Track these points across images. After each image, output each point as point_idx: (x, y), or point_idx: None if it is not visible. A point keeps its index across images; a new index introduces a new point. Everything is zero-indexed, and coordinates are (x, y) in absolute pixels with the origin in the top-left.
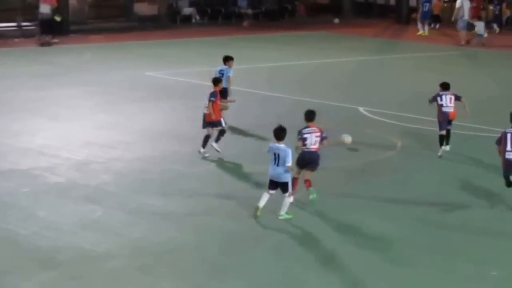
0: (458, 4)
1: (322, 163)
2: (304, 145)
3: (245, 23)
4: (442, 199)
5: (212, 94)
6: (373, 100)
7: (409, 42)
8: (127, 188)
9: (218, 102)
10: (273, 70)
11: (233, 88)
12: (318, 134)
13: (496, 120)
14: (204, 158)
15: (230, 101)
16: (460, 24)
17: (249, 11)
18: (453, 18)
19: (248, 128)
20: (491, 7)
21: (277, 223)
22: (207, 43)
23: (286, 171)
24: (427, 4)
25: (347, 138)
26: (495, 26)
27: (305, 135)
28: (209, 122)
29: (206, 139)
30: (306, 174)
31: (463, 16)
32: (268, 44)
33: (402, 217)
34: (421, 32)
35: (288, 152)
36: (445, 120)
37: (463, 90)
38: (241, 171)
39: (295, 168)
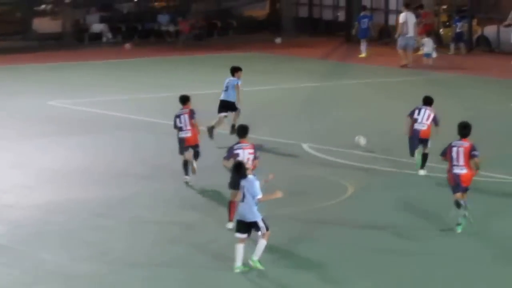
0: (401, 19)
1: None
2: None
3: (127, 45)
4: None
5: (193, 113)
6: (319, 135)
7: (361, 65)
8: (24, 242)
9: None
10: (197, 99)
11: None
12: (251, 151)
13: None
14: (187, 183)
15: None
16: (401, 43)
17: (171, 28)
18: (396, 36)
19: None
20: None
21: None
22: (120, 65)
23: (255, 208)
24: (365, 20)
25: None
26: (461, 45)
27: (236, 151)
28: (188, 146)
29: (186, 164)
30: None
31: (407, 33)
32: (191, 67)
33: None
34: (363, 54)
35: (254, 183)
36: (415, 137)
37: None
38: (158, 221)
39: (230, 191)
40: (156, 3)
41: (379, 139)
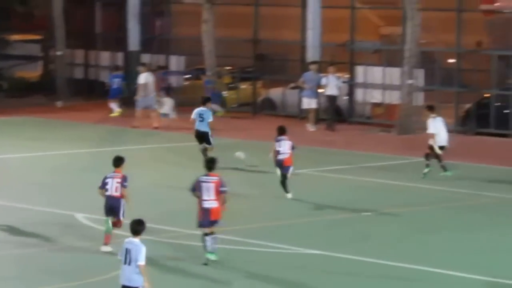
0: (142, 80)
1: None
2: (106, 190)
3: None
4: None
5: (125, 179)
6: (95, 205)
7: (142, 130)
8: None
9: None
10: None
11: None
12: (119, 180)
13: None
14: None
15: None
16: (141, 104)
17: None
18: (137, 97)
19: None
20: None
21: None
22: None
23: (138, 272)
24: (116, 80)
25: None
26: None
27: (107, 180)
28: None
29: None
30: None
31: (149, 94)
32: None
33: None
34: (115, 113)
35: (141, 248)
36: (280, 165)
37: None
38: None
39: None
40: None
41: (156, 209)
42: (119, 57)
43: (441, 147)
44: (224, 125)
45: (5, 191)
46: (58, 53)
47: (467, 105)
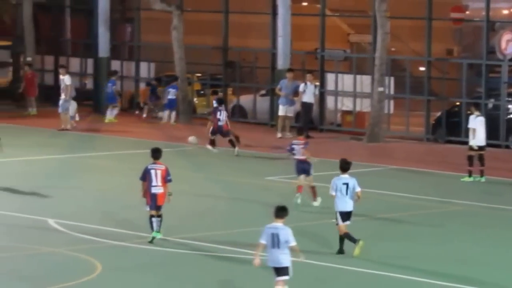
0: (68, 81)
1: None
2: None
3: None
4: None
5: (169, 173)
6: (66, 210)
7: (113, 137)
8: None
9: None
10: None
11: None
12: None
13: None
14: None
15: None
16: (65, 105)
17: None
18: (66, 97)
19: None
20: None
21: None
22: None
23: (286, 253)
24: (109, 85)
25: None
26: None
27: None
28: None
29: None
30: None
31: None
32: None
33: None
34: (110, 118)
35: (288, 230)
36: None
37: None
38: None
39: None
40: None
41: (126, 214)
42: (89, 64)
43: (480, 148)
44: (192, 131)
45: None
46: (28, 59)
47: (438, 114)
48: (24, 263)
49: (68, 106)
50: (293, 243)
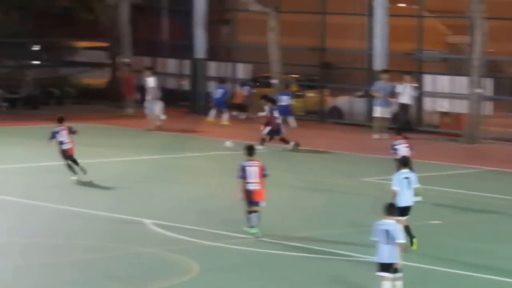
0: (152, 83)
1: None
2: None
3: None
4: None
5: (265, 168)
6: (162, 211)
7: (208, 138)
8: None
9: None
10: (27, 172)
11: None
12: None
13: None
14: None
15: None
16: (151, 106)
17: None
18: (149, 99)
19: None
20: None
21: None
22: None
23: (396, 249)
24: (219, 91)
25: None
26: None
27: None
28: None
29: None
30: None
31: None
32: (20, 139)
33: None
34: (223, 122)
35: (398, 228)
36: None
37: None
38: None
39: None
40: None
41: (221, 214)
42: (186, 65)
43: None
44: (290, 133)
45: (71, 196)
46: (125, 60)
47: None
48: (120, 264)
49: (153, 106)
50: (401, 240)
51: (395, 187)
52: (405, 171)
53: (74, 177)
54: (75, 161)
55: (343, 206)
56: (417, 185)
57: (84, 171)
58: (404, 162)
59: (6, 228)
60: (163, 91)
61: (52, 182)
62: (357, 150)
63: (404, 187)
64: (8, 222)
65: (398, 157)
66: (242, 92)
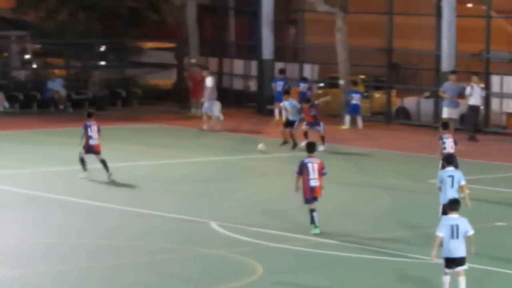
0: (210, 83)
1: None
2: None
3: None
4: None
5: (324, 166)
6: (228, 213)
7: (273, 139)
8: None
9: None
10: (93, 174)
11: None
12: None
13: None
14: None
15: None
16: (209, 107)
17: (63, 92)
18: (203, 99)
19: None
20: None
21: None
22: (14, 138)
23: (463, 243)
24: (279, 83)
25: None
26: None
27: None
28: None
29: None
30: None
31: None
32: None
33: None
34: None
35: (466, 220)
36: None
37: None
38: None
39: None
40: (55, 70)
41: (286, 216)
42: (253, 66)
43: None
44: (356, 134)
45: (138, 198)
46: (192, 61)
47: None
48: (186, 265)
49: (210, 107)
50: (471, 231)
51: (439, 184)
52: (450, 169)
53: (83, 175)
54: (104, 163)
55: (409, 208)
56: (463, 183)
57: (109, 176)
58: (448, 161)
59: (76, 230)
60: (230, 92)
61: (117, 184)
62: (425, 151)
63: (448, 185)
64: (77, 223)
65: (445, 152)
66: (298, 89)
